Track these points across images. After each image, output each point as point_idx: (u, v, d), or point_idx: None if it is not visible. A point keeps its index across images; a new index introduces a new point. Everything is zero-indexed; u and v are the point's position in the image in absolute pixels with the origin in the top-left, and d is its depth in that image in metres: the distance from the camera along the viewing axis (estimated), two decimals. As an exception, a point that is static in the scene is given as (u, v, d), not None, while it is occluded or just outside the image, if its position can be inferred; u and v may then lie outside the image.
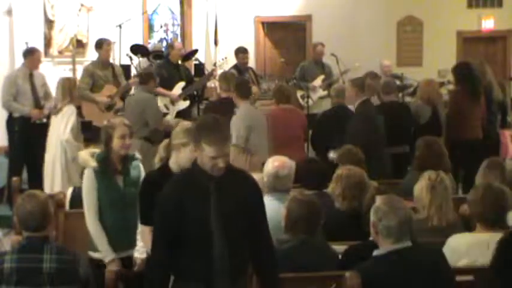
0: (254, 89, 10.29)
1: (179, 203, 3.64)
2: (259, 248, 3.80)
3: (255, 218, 3.78)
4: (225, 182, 3.68)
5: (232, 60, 10.82)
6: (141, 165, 5.10)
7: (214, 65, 10.77)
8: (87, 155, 4.96)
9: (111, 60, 9.90)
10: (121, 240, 4.91)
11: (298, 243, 4.19)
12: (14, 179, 6.91)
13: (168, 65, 10.13)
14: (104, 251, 4.88)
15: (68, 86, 7.83)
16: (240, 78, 9.06)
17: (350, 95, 7.58)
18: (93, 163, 4.90)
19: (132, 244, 4.86)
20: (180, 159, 4.37)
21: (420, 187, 4.85)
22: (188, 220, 3.63)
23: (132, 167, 5.01)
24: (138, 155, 5.13)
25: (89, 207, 4.94)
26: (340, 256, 4.26)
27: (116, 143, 4.90)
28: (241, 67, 10.59)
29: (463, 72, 8.25)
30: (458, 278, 3.90)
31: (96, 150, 5.04)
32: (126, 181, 4.96)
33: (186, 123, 4.57)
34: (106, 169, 4.92)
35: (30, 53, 8.90)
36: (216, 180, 3.66)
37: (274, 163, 5.03)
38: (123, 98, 9.24)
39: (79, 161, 5.11)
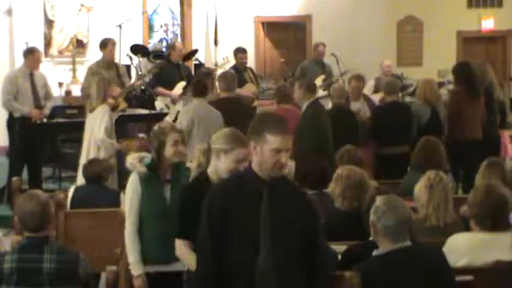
0: (253, 88, 10.31)
1: (228, 209, 3.38)
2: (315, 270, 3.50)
3: (310, 234, 3.48)
4: (279, 190, 3.42)
5: (234, 60, 10.83)
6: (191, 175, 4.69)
7: (216, 65, 10.77)
8: (136, 159, 4.65)
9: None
10: (161, 253, 4.57)
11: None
12: (14, 179, 6.91)
13: (168, 65, 10.13)
14: (133, 264, 4.62)
15: (102, 86, 7.80)
16: (196, 78, 9.05)
17: (298, 96, 7.57)
18: (141, 168, 4.60)
19: (174, 258, 4.44)
20: (218, 168, 4.10)
21: (419, 187, 4.86)
22: (235, 229, 3.36)
23: (182, 176, 4.69)
24: (189, 164, 4.82)
25: (129, 214, 4.65)
26: (340, 256, 4.25)
27: (168, 150, 4.62)
28: (240, 67, 10.59)
29: (463, 72, 8.25)
30: (458, 278, 3.89)
31: (146, 154, 4.74)
32: (174, 191, 4.62)
33: (228, 129, 4.29)
34: (154, 176, 4.62)
35: (30, 53, 8.89)
36: (270, 186, 3.39)
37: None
38: (126, 99, 9.23)
39: (126, 165, 4.73)
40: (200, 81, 8.17)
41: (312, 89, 7.61)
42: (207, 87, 7.90)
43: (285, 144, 3.38)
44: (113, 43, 9.48)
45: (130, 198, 4.64)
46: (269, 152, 3.37)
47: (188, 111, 7.56)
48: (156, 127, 4.81)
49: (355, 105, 8.58)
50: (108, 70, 9.34)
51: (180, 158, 4.66)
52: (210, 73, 10.15)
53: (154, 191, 4.61)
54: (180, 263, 4.37)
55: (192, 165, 4.56)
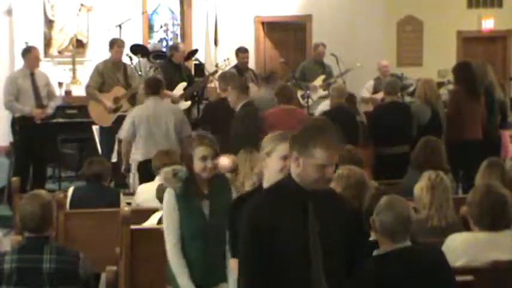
0: (254, 88, 10.31)
1: (271, 223, 3.11)
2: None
3: (353, 241, 3.37)
4: (323, 200, 3.20)
5: (234, 61, 10.82)
6: (233, 189, 4.39)
7: (216, 65, 10.77)
8: (169, 174, 4.21)
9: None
10: (205, 277, 4.20)
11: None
12: (14, 179, 6.91)
13: (169, 66, 10.13)
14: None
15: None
16: (148, 77, 9.13)
17: (232, 98, 7.66)
18: (176, 183, 4.17)
19: (219, 281, 4.20)
20: (269, 176, 3.77)
21: (420, 187, 4.85)
22: (281, 245, 3.11)
23: (221, 190, 4.28)
24: (228, 175, 4.51)
25: (169, 234, 4.20)
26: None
27: (196, 165, 4.19)
28: (241, 67, 10.59)
29: (463, 72, 8.25)
30: (458, 278, 3.89)
31: (180, 168, 4.28)
32: (213, 208, 4.21)
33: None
34: (191, 192, 4.19)
35: (27, 52, 8.86)
36: (314, 197, 3.16)
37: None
38: (130, 101, 9.22)
39: (162, 179, 4.39)
40: (152, 79, 8.20)
41: (245, 91, 7.69)
42: (161, 85, 7.94)
43: (332, 159, 3.13)
44: (119, 45, 9.38)
45: (168, 217, 4.21)
46: (313, 167, 3.12)
47: (130, 114, 7.74)
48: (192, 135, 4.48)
49: None
50: (114, 70, 9.29)
51: (209, 174, 4.19)
52: (204, 81, 10.23)
53: (192, 208, 4.18)
54: (231, 284, 4.07)
55: (253, 178, 4.27)
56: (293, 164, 3.18)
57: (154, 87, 7.76)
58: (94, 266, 4.18)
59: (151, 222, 5.47)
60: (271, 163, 3.78)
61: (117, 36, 10.62)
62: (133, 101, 9.26)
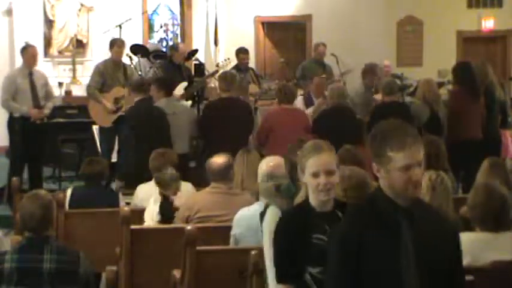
0: (254, 88, 10.31)
1: (364, 243, 2.82)
2: None
3: (454, 265, 2.97)
4: (418, 217, 2.86)
5: (235, 61, 10.83)
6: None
7: (217, 65, 10.77)
8: (271, 186, 3.59)
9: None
10: None
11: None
12: (14, 179, 6.90)
13: (170, 66, 10.13)
14: None
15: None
16: (159, 77, 9.16)
17: (154, 94, 7.78)
18: (282, 200, 3.60)
19: None
20: (308, 191, 3.33)
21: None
22: (373, 267, 2.82)
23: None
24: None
25: (271, 260, 3.47)
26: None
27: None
28: (241, 67, 10.60)
29: (462, 72, 8.25)
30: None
31: (280, 182, 3.66)
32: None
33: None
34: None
35: (24, 50, 8.79)
36: (407, 213, 2.84)
37: (269, 163, 5.00)
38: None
39: (261, 194, 3.72)
40: (165, 79, 8.22)
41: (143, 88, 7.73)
42: (174, 85, 7.97)
43: (413, 157, 2.84)
44: (119, 45, 9.32)
45: (269, 236, 3.52)
46: (396, 172, 2.84)
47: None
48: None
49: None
50: (114, 70, 9.27)
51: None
52: (204, 81, 10.22)
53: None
54: None
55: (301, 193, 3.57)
56: (379, 177, 2.92)
57: (167, 88, 7.76)
58: (94, 266, 4.18)
59: (147, 223, 5.49)
60: (307, 181, 3.33)
61: (117, 36, 10.62)
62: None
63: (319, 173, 3.30)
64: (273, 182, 3.61)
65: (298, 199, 3.52)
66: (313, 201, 3.34)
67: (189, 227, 4.58)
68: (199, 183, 5.98)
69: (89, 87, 9.27)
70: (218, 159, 5.35)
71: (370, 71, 9.48)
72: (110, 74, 9.18)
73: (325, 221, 3.29)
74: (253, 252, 4.00)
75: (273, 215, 3.54)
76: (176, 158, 6.30)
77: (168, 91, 7.82)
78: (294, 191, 3.51)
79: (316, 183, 3.29)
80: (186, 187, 6.01)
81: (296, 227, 3.30)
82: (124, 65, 9.49)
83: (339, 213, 3.36)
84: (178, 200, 5.58)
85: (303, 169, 3.34)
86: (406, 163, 2.82)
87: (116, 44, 9.32)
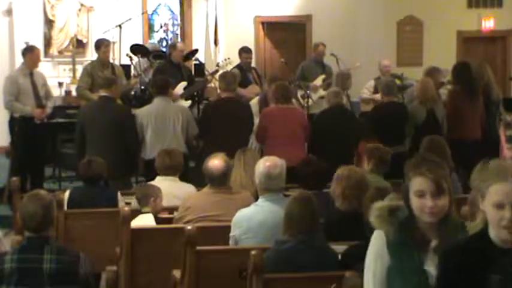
0: (256, 88, 10.31)
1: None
2: None
3: None
4: None
5: (235, 61, 10.82)
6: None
7: (217, 65, 10.77)
8: (385, 210, 3.10)
9: (111, 61, 9.87)
10: None
11: (298, 243, 4.19)
12: (14, 179, 6.89)
13: (169, 65, 10.13)
14: None
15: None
16: (156, 77, 9.19)
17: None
18: (391, 226, 3.06)
19: None
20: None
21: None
22: None
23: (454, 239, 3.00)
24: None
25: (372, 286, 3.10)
26: (340, 256, 4.25)
27: (413, 202, 3.01)
28: (244, 67, 10.59)
29: (461, 72, 8.26)
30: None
31: (401, 204, 3.11)
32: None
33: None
34: (407, 240, 3.02)
35: (29, 51, 8.83)
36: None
37: (265, 163, 5.00)
38: (123, 99, 9.23)
39: (373, 215, 3.14)
40: (159, 79, 8.24)
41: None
42: (169, 84, 7.98)
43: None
44: (106, 45, 9.37)
45: (372, 264, 3.11)
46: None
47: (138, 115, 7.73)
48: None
49: None
50: (103, 70, 9.30)
51: (431, 219, 2.97)
52: (206, 81, 10.23)
53: (408, 263, 3.00)
54: None
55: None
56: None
57: (162, 87, 7.77)
58: (94, 266, 4.18)
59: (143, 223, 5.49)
60: (488, 212, 2.81)
61: (117, 36, 10.64)
62: (127, 99, 9.30)
63: (503, 204, 2.71)
64: (388, 204, 3.15)
65: (473, 228, 3.05)
66: (493, 235, 2.78)
67: (189, 227, 4.56)
68: (200, 183, 5.98)
69: (78, 88, 9.33)
70: (215, 164, 5.29)
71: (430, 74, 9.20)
72: (98, 74, 9.21)
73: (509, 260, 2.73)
74: (253, 252, 4.03)
75: (378, 240, 3.10)
76: (182, 157, 6.32)
77: (161, 91, 7.79)
78: (403, 219, 3.05)
79: (499, 218, 2.72)
80: (188, 189, 6.02)
81: (473, 262, 2.78)
82: (112, 65, 9.54)
83: None
84: (178, 201, 5.60)
85: (482, 195, 2.82)
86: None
87: (102, 45, 9.36)
